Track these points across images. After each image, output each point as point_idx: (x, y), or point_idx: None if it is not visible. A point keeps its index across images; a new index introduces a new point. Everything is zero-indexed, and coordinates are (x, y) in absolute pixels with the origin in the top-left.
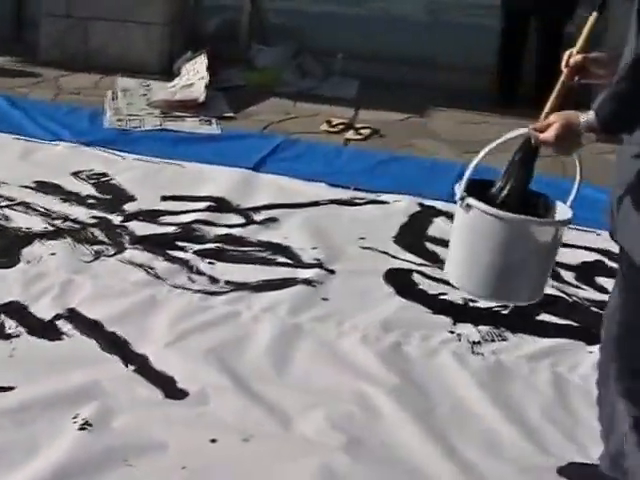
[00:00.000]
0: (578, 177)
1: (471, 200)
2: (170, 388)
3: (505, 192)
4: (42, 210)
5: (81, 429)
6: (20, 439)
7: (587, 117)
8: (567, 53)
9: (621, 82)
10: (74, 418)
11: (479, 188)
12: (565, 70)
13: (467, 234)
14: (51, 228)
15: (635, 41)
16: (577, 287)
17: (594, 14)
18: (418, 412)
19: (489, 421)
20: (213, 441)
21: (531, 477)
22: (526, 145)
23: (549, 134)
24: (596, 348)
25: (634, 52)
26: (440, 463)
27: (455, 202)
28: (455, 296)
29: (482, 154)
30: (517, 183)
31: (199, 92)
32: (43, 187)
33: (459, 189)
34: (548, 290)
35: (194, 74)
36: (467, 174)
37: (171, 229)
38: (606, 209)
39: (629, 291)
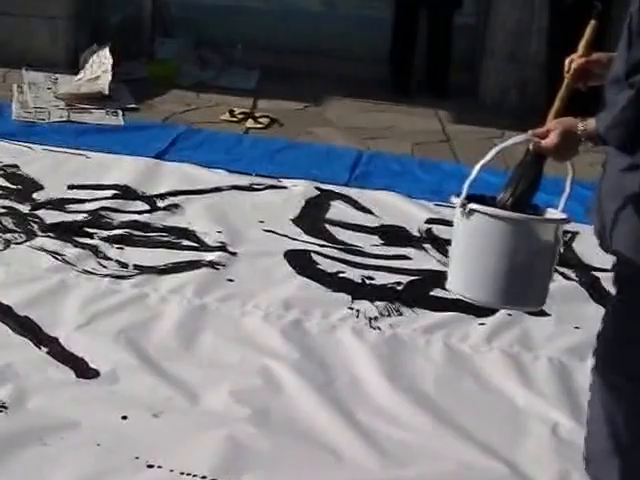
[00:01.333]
0: (569, 183)
1: (474, 205)
2: (82, 368)
3: (508, 200)
4: None
5: None
6: None
7: (587, 125)
8: (568, 59)
9: (627, 109)
10: None
11: (475, 201)
12: (568, 75)
13: (470, 241)
14: None
15: (626, 54)
16: None
17: (592, 22)
18: (319, 385)
19: (387, 391)
20: (124, 418)
21: (428, 441)
22: (528, 154)
23: (549, 141)
24: (485, 320)
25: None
26: (341, 432)
27: (348, 185)
28: (353, 274)
29: (484, 162)
30: (519, 193)
31: (104, 85)
32: None
33: (459, 197)
34: (440, 268)
35: (98, 67)
36: (467, 183)
37: (79, 217)
38: (592, 220)
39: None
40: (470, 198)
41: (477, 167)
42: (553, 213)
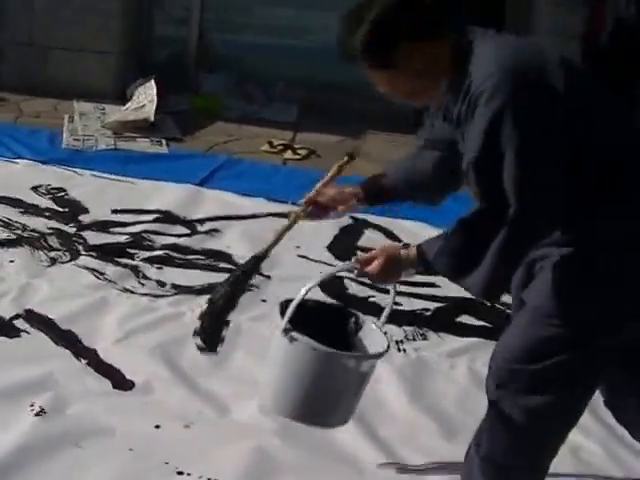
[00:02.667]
0: (391, 304)
1: (296, 334)
2: (118, 380)
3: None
4: (3, 220)
5: (37, 415)
6: None
7: (409, 254)
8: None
9: (454, 237)
10: (31, 406)
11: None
12: (301, 205)
13: (285, 362)
14: (12, 237)
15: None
16: None
17: (345, 159)
18: None
19: (409, 411)
20: (157, 427)
21: (444, 459)
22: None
23: (373, 268)
24: None
25: (464, 216)
26: (363, 447)
27: (382, 215)
28: (382, 299)
29: (309, 287)
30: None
31: (149, 113)
32: (4, 200)
33: (284, 319)
34: (468, 295)
35: (144, 97)
36: (292, 307)
37: (122, 238)
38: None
39: None
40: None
41: (302, 292)
42: (372, 329)
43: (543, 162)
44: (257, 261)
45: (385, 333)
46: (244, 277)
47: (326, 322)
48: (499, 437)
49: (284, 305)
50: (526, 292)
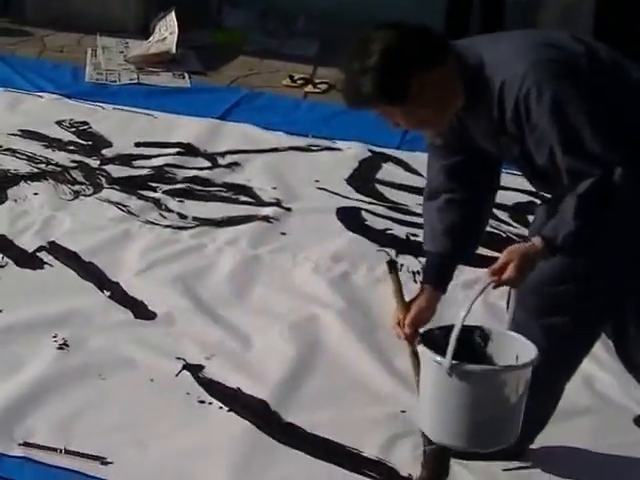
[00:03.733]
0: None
1: (469, 366)
2: (140, 310)
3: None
4: (27, 155)
5: (59, 348)
6: (5, 356)
7: (536, 246)
8: (394, 321)
9: (579, 216)
10: (54, 337)
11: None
12: (408, 341)
13: (452, 395)
14: (35, 171)
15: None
16: (510, 225)
17: (392, 277)
18: (362, 332)
19: None
20: (179, 358)
21: None
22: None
23: (511, 275)
24: None
25: (578, 193)
26: (380, 375)
27: (400, 148)
28: (399, 231)
29: (463, 319)
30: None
31: (171, 45)
32: (28, 134)
33: (446, 359)
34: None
35: (165, 30)
36: (451, 347)
37: (144, 172)
38: None
39: None
40: (423, 336)
41: (457, 328)
42: (501, 333)
43: (608, 120)
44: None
45: (519, 335)
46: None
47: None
48: None
49: (425, 337)
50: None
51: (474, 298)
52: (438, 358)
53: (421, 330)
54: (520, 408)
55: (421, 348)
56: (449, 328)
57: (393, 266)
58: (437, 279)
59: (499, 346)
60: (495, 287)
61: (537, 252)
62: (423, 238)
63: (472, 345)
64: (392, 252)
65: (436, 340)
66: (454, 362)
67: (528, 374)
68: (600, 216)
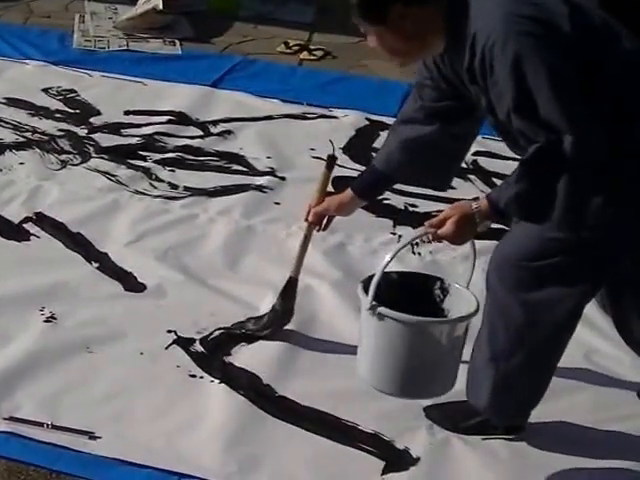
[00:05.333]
0: (473, 260)
1: (383, 309)
2: (130, 283)
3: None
4: (13, 123)
5: (47, 321)
6: None
7: (480, 206)
8: (307, 207)
9: (520, 181)
10: (41, 310)
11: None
12: (307, 224)
13: (378, 340)
14: (21, 139)
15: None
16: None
17: (324, 170)
18: (357, 303)
19: None
20: (169, 331)
21: None
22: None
23: (447, 229)
24: None
25: (524, 158)
26: None
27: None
28: (397, 201)
29: (387, 260)
30: None
31: (157, 1)
32: (14, 102)
33: (368, 297)
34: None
35: None
36: (375, 280)
37: (134, 140)
38: None
39: None
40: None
41: (381, 267)
42: (459, 289)
43: (574, 86)
44: (290, 285)
45: (471, 292)
46: (283, 303)
47: (411, 291)
48: (501, 336)
49: (367, 282)
50: None
51: (405, 243)
52: (361, 296)
53: (368, 275)
54: (448, 362)
55: (359, 289)
56: (406, 273)
57: (331, 162)
58: (365, 189)
59: (455, 300)
60: (431, 240)
61: (480, 212)
62: (377, 155)
63: (431, 297)
64: (336, 148)
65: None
66: (374, 303)
67: (454, 330)
68: (543, 183)
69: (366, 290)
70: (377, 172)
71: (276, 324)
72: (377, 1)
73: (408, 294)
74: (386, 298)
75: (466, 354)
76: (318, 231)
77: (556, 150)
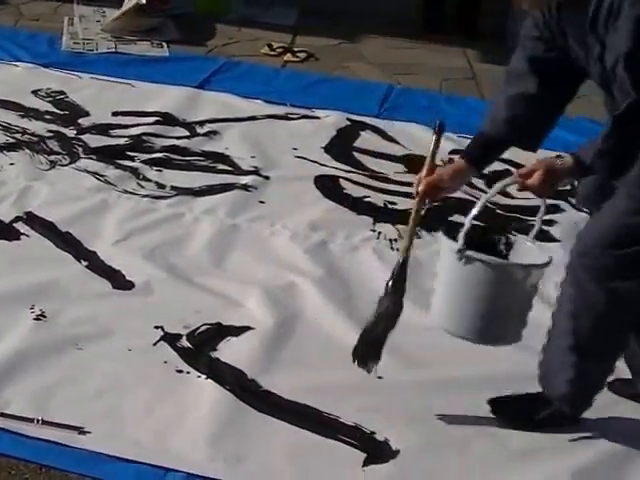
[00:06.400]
0: (541, 215)
1: (472, 252)
2: (118, 280)
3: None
4: (3, 124)
5: (37, 319)
6: None
7: (564, 162)
8: (416, 179)
9: (606, 141)
10: (31, 308)
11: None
12: (416, 199)
13: (462, 284)
14: (11, 140)
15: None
16: (485, 192)
17: (434, 137)
18: (339, 300)
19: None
20: (157, 327)
21: (442, 351)
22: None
23: (534, 180)
24: None
25: (616, 114)
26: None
27: (378, 117)
28: (377, 199)
29: (476, 211)
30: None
31: None
32: (3, 104)
33: (458, 242)
34: (459, 194)
35: None
36: (465, 228)
37: (122, 141)
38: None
39: None
40: (448, 229)
41: (469, 217)
42: (524, 244)
43: None
44: (402, 267)
45: (538, 247)
46: (398, 285)
47: (477, 245)
48: (585, 325)
49: (446, 229)
50: (623, 180)
51: (494, 190)
52: (449, 241)
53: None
54: (524, 310)
55: (441, 234)
56: (472, 227)
57: (441, 128)
58: (475, 155)
59: (520, 255)
60: (519, 189)
61: (564, 168)
62: (484, 119)
63: (496, 251)
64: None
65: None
66: (463, 246)
67: (535, 277)
68: (630, 139)
69: (447, 234)
70: (484, 135)
71: (391, 321)
72: None
73: (474, 247)
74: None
75: None
76: (430, 204)
77: None
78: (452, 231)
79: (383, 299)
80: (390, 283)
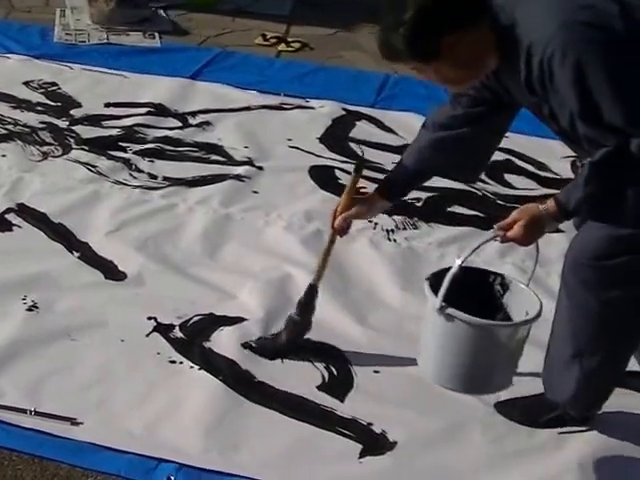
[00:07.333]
0: (535, 258)
1: (452, 310)
2: (110, 271)
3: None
4: None
5: (29, 310)
6: None
7: (548, 208)
8: (332, 212)
9: (590, 183)
10: (23, 299)
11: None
12: (332, 231)
13: (444, 338)
14: (3, 132)
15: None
16: (485, 183)
17: (353, 174)
18: (335, 290)
19: (398, 298)
20: (149, 318)
21: None
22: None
23: (516, 232)
24: None
25: (593, 160)
26: (353, 328)
27: (374, 107)
28: (373, 189)
29: (457, 265)
30: None
31: None
32: None
33: (437, 299)
34: (459, 185)
35: None
36: (445, 285)
37: (114, 132)
38: None
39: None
40: (436, 275)
41: (450, 273)
42: (520, 287)
43: (637, 86)
44: (311, 290)
45: (534, 292)
46: (305, 308)
47: (470, 286)
48: (583, 334)
49: (432, 280)
50: None
51: (476, 246)
52: (430, 296)
53: (435, 270)
54: (512, 360)
55: (425, 286)
56: (466, 269)
57: (360, 167)
58: (394, 190)
59: (515, 298)
60: (501, 242)
61: (549, 215)
62: (406, 151)
63: (491, 291)
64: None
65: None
66: (443, 304)
67: (521, 332)
68: (612, 185)
69: (432, 288)
70: (407, 169)
71: (295, 336)
72: (424, 40)
73: (469, 288)
74: (449, 292)
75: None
76: (341, 237)
77: (625, 152)
78: (439, 277)
79: (292, 316)
80: (301, 303)
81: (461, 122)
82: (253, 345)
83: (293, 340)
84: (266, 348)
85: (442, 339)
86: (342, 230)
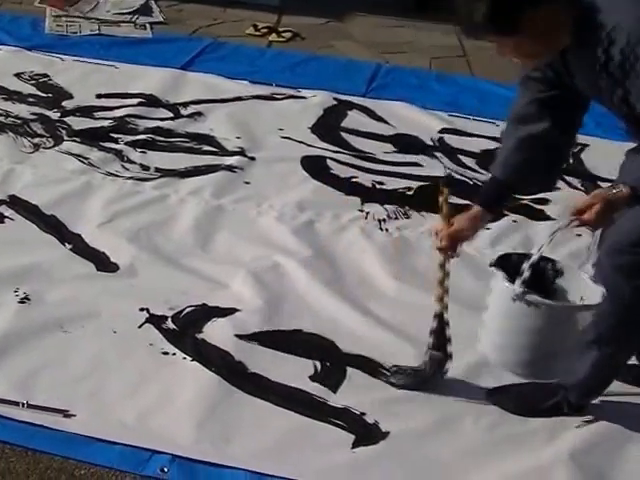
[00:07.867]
0: (595, 243)
1: (534, 297)
2: (102, 263)
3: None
4: None
5: (21, 302)
6: None
7: (618, 192)
8: (434, 233)
9: None
10: (15, 291)
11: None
12: (441, 252)
13: (517, 322)
14: None
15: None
16: (477, 172)
17: (444, 190)
18: (328, 280)
19: (392, 288)
20: (142, 309)
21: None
22: None
23: (591, 216)
24: (491, 224)
25: None
26: (347, 321)
27: (365, 96)
28: (364, 179)
29: (541, 250)
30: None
31: None
32: None
33: (515, 285)
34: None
35: None
36: (525, 273)
37: (105, 123)
38: None
39: None
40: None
41: (529, 263)
42: (574, 271)
43: None
44: (440, 320)
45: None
46: (440, 341)
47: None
48: (608, 320)
49: (498, 263)
50: None
51: (554, 231)
52: (507, 284)
53: (500, 253)
54: (572, 346)
55: (499, 275)
56: (527, 255)
57: (448, 182)
58: (490, 201)
59: (568, 283)
60: (576, 226)
61: (620, 198)
62: (494, 161)
63: (543, 276)
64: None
65: (511, 265)
66: (525, 290)
67: (587, 317)
68: None
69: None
70: (496, 181)
71: (439, 368)
72: (506, 14)
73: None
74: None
75: None
76: (453, 257)
77: None
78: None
79: (432, 353)
80: (435, 334)
81: (535, 110)
82: (393, 382)
83: (439, 373)
84: (407, 383)
85: (517, 324)
86: (452, 248)
